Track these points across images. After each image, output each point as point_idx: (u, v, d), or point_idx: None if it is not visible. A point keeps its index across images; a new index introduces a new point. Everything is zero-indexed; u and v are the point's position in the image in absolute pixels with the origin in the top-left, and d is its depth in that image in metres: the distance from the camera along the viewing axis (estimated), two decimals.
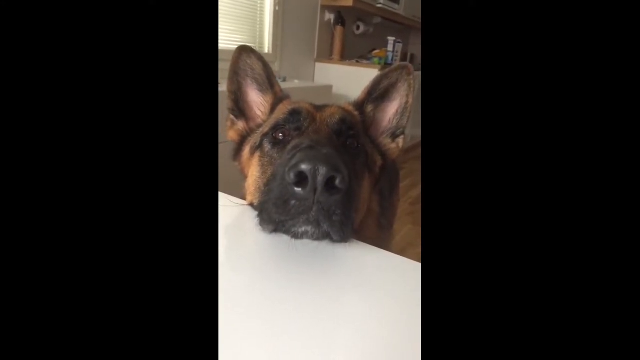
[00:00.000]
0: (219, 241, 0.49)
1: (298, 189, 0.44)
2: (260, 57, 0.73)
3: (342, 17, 3.73)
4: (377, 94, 0.74)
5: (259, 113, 0.77)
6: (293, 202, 0.45)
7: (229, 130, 0.78)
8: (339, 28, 3.73)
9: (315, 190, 0.43)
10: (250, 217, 0.54)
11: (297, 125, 0.64)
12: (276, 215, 0.47)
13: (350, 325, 0.36)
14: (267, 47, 3.11)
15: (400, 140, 0.75)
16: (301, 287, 0.41)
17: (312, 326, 0.35)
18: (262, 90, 0.76)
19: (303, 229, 0.47)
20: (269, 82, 0.76)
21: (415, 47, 5.64)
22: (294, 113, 0.65)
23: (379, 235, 0.72)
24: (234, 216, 0.58)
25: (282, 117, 0.66)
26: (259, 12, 2.98)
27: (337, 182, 0.43)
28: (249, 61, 0.74)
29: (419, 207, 2.70)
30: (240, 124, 0.77)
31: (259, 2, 2.95)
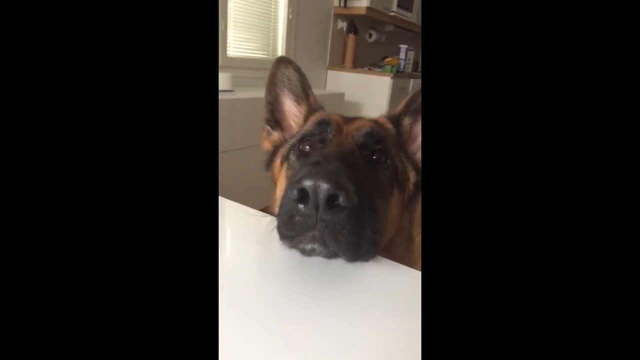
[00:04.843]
0: (248, 253, 0.49)
1: (300, 206, 0.43)
2: (297, 67, 0.74)
3: (354, 25, 3.75)
4: (416, 106, 0.71)
5: (293, 124, 0.77)
6: (297, 218, 0.44)
7: (264, 141, 0.78)
8: (351, 36, 3.75)
9: (317, 207, 0.42)
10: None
11: (322, 136, 0.63)
12: (283, 230, 0.46)
13: (368, 344, 0.35)
14: (279, 55, 3.14)
15: None
16: (316, 305, 0.40)
17: (325, 346, 0.35)
18: (297, 100, 0.77)
19: (309, 246, 0.46)
20: (304, 93, 0.75)
21: None
22: (321, 124, 0.65)
23: (408, 252, 0.70)
24: (261, 227, 0.57)
25: (309, 128, 0.66)
26: (272, 21, 3.01)
27: (341, 200, 0.41)
28: (286, 72, 0.74)
29: None
30: (276, 135, 0.77)
31: (272, 10, 2.98)
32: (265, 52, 3.04)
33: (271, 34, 3.05)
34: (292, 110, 0.77)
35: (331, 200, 0.41)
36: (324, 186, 0.40)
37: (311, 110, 0.75)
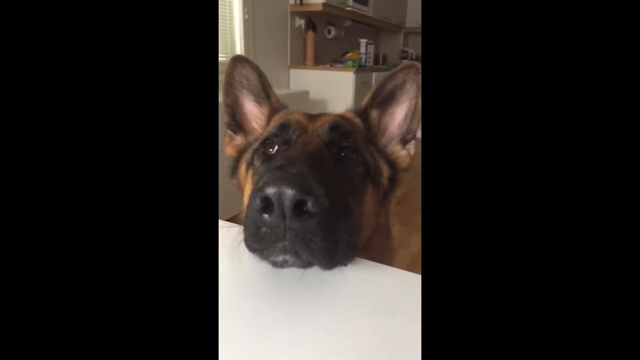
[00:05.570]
0: (225, 266, 0.45)
1: (265, 216, 0.39)
2: (255, 66, 0.70)
3: (312, 22, 3.73)
4: (382, 97, 0.69)
5: (256, 126, 0.73)
6: (263, 229, 0.40)
7: (227, 146, 0.74)
8: (310, 33, 3.73)
9: (284, 216, 0.38)
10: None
11: (286, 138, 0.59)
12: (251, 243, 0.42)
13: (352, 349, 0.34)
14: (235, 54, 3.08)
15: (412, 147, 0.70)
16: (295, 317, 0.38)
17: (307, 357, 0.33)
18: (258, 101, 0.73)
19: (281, 258, 0.42)
20: (264, 93, 0.72)
21: (386, 48, 5.71)
22: (284, 125, 0.61)
23: (386, 249, 0.67)
24: (229, 239, 0.54)
25: (272, 130, 0.63)
26: (228, 22, 2.94)
27: (309, 205, 0.38)
28: (243, 71, 0.70)
29: (405, 206, 2.71)
30: (238, 139, 0.73)
31: (227, 11, 2.91)
32: (224, 55, 2.96)
33: (228, 36, 2.98)
34: (253, 111, 0.73)
35: (298, 206, 0.38)
36: (289, 192, 0.37)
37: (273, 110, 0.71)
